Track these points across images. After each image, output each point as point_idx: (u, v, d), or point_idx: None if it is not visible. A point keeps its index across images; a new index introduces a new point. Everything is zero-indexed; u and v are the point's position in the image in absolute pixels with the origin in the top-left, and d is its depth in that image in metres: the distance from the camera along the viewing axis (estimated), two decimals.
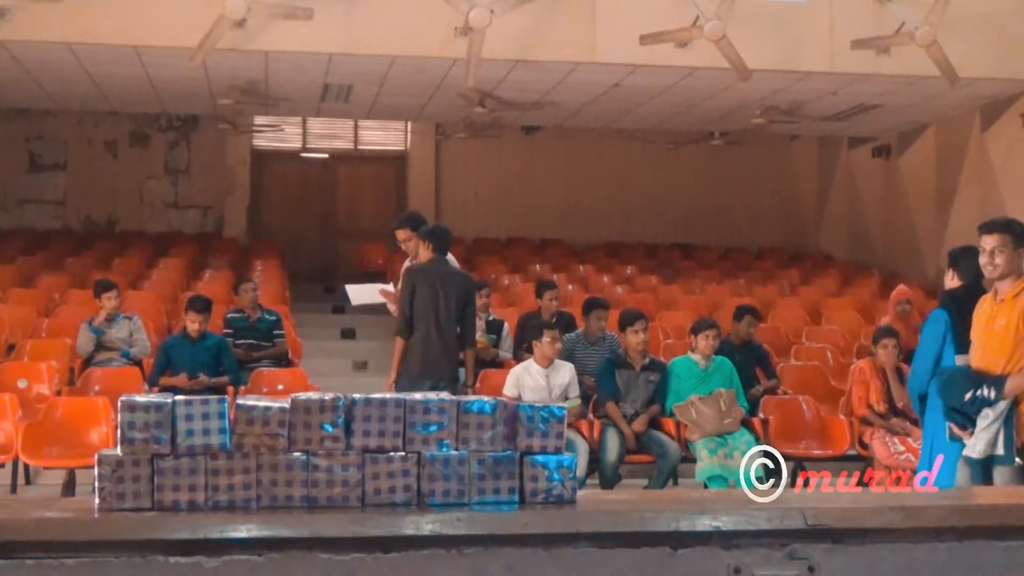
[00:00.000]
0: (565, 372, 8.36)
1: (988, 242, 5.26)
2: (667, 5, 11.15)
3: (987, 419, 5.08)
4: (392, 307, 8.19)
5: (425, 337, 7.55)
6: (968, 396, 5.12)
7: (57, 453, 8.12)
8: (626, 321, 8.62)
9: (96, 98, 13.70)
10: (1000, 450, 5.08)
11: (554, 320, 9.42)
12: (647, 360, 8.59)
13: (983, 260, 5.29)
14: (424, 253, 7.71)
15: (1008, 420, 5.05)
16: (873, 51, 11.49)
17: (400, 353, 7.63)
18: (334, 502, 3.25)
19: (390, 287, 8.38)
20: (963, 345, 5.61)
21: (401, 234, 8.06)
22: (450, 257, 7.94)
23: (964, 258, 6.11)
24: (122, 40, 10.97)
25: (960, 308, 5.59)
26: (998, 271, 5.24)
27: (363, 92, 13.17)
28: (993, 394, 5.09)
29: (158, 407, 3.21)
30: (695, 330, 8.66)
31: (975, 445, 5.12)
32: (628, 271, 14.72)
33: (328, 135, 17.69)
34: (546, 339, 8.27)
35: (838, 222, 17.54)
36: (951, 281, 6.05)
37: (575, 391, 8.37)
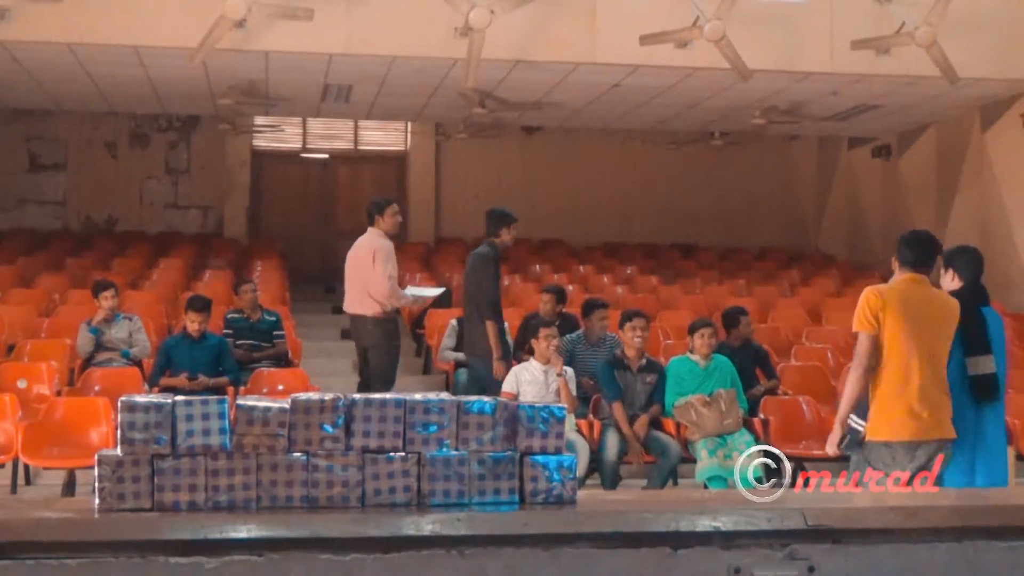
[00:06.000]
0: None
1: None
2: (667, 5, 11.14)
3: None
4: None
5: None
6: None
7: (57, 453, 8.11)
8: (626, 318, 8.60)
9: (96, 98, 13.70)
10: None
11: (556, 321, 9.39)
12: (644, 361, 8.57)
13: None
14: None
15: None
16: (873, 51, 11.49)
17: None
18: (334, 502, 3.25)
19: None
20: (971, 347, 5.61)
21: None
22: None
23: (960, 258, 6.10)
24: (122, 40, 10.96)
25: (965, 309, 5.57)
26: None
27: (363, 92, 13.17)
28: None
29: (158, 407, 3.21)
30: (692, 330, 8.67)
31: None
32: (628, 271, 14.70)
33: (328, 135, 17.69)
34: (542, 336, 8.28)
35: (838, 222, 17.53)
36: (952, 282, 6.02)
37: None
